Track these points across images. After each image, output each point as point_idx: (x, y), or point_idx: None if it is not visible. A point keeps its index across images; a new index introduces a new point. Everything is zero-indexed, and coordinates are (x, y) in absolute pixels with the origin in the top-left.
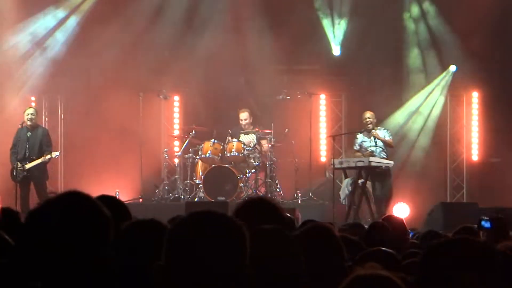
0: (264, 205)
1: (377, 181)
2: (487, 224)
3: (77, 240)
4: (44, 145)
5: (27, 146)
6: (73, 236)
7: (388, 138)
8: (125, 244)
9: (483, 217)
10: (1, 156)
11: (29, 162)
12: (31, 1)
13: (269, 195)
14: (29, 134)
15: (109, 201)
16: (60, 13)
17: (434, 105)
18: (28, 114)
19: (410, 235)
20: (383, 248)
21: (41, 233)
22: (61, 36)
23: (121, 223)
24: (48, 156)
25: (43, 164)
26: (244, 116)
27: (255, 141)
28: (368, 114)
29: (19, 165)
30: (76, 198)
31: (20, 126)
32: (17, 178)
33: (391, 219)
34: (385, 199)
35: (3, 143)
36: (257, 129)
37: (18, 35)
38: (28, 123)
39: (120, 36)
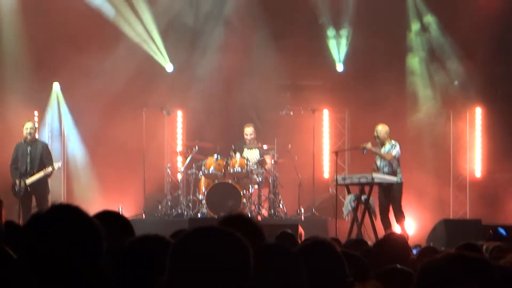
0: (244, 222)
1: (384, 194)
2: (503, 232)
3: (69, 252)
4: (44, 158)
5: (28, 160)
6: (64, 248)
7: (390, 151)
8: (129, 259)
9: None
10: (2, 171)
11: (30, 177)
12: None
13: (272, 211)
14: (29, 148)
15: (112, 216)
16: None
17: (437, 121)
18: (27, 128)
19: (414, 252)
20: (399, 266)
21: (33, 247)
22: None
23: (124, 238)
24: (50, 169)
25: (45, 177)
26: (249, 131)
27: (259, 156)
28: (376, 128)
29: (20, 180)
30: (65, 211)
31: (23, 141)
32: (19, 193)
33: (392, 236)
34: (394, 214)
35: (7, 157)
36: (260, 145)
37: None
38: (28, 137)
39: (123, 54)
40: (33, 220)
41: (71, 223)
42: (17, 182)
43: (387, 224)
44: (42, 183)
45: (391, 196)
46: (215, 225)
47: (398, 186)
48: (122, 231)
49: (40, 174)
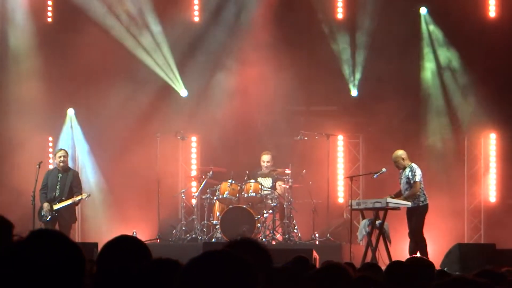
0: (251, 246)
1: (407, 219)
2: None
3: (49, 277)
4: (74, 187)
5: (57, 187)
6: (44, 274)
7: (409, 176)
8: (144, 282)
9: None
10: (22, 198)
11: (59, 203)
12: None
13: (286, 236)
14: (60, 175)
15: (129, 241)
16: None
17: (452, 145)
18: (60, 157)
19: None
20: None
21: (10, 275)
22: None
23: (141, 262)
24: (79, 197)
25: (73, 205)
26: (266, 158)
27: (272, 183)
28: (392, 155)
29: (48, 205)
30: (44, 237)
31: (55, 168)
32: (45, 219)
33: (414, 261)
34: (410, 238)
35: (24, 183)
36: (273, 170)
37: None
38: (61, 165)
39: (137, 78)
40: (11, 248)
41: (50, 248)
42: (45, 205)
43: (411, 249)
44: (69, 211)
45: (412, 219)
46: (224, 249)
47: (420, 209)
48: (139, 255)
49: (69, 202)
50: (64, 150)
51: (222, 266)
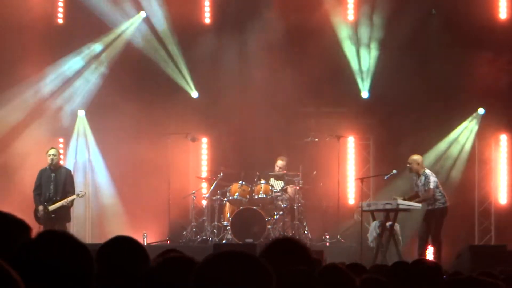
0: (292, 245)
1: (424, 220)
2: None
3: (59, 277)
4: (67, 185)
5: (51, 187)
6: (54, 274)
7: (423, 184)
8: (158, 281)
9: None
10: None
11: (53, 204)
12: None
13: (297, 237)
14: (53, 175)
15: (125, 242)
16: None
17: (462, 148)
18: (50, 155)
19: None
20: None
21: (23, 275)
22: (89, 85)
23: (138, 264)
24: (72, 198)
25: (68, 205)
26: (280, 164)
27: (283, 184)
28: (409, 159)
29: (43, 207)
30: (54, 237)
31: (48, 167)
32: (42, 220)
33: (421, 262)
34: (419, 240)
35: (31, 185)
36: (285, 172)
37: (48, 76)
38: (52, 163)
39: (148, 80)
40: (22, 249)
41: (60, 249)
42: (40, 208)
43: (420, 251)
44: (64, 211)
45: (431, 222)
46: (238, 250)
47: (439, 211)
48: (135, 257)
49: (62, 203)
50: (54, 148)
51: (237, 267)
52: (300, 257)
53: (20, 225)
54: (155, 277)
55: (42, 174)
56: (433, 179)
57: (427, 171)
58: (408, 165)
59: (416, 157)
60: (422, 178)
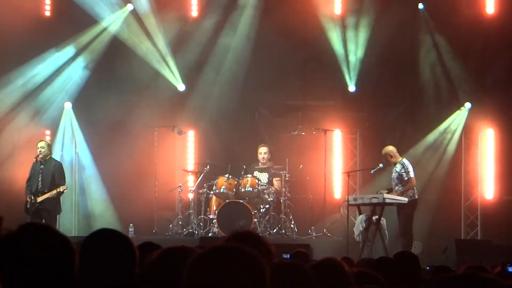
0: (251, 238)
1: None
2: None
3: (40, 270)
4: (56, 178)
5: (39, 179)
6: (35, 266)
7: (402, 172)
8: (155, 271)
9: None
10: (15, 188)
11: (41, 195)
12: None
13: (283, 231)
14: (41, 167)
15: (109, 234)
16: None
17: (449, 142)
18: (38, 148)
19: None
20: None
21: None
22: (76, 77)
23: (122, 256)
24: (61, 188)
25: (57, 196)
26: (263, 150)
27: (269, 178)
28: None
29: (32, 198)
30: (33, 230)
31: (34, 160)
32: (30, 211)
33: (402, 255)
34: (400, 233)
35: (21, 177)
36: (269, 160)
37: (35, 68)
38: (40, 156)
39: (135, 73)
40: (1, 241)
41: (40, 241)
42: (28, 199)
43: (403, 245)
44: (53, 202)
45: (399, 214)
46: (233, 244)
47: (407, 205)
48: (120, 249)
49: (48, 195)
50: (44, 141)
51: (230, 260)
52: (260, 250)
53: None
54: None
55: (34, 166)
56: (411, 168)
57: (405, 160)
58: (383, 159)
59: (388, 149)
60: (398, 166)
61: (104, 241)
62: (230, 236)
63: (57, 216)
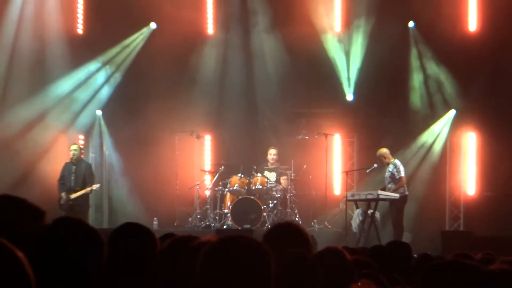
0: (291, 229)
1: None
2: None
3: (73, 258)
4: (87, 177)
5: (72, 178)
6: (69, 255)
7: (394, 172)
8: (167, 259)
9: None
10: (52, 189)
11: (74, 193)
12: (80, 52)
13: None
14: (74, 167)
15: (134, 227)
16: (106, 69)
17: (436, 145)
18: (71, 150)
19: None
20: None
21: (40, 255)
22: (106, 88)
23: (146, 246)
24: (91, 188)
25: (86, 194)
26: (273, 151)
27: (277, 176)
28: (378, 152)
29: (66, 195)
30: (68, 223)
31: (69, 161)
32: (65, 207)
33: (394, 244)
34: (392, 225)
35: (53, 178)
36: (277, 161)
37: (71, 79)
38: (73, 158)
39: (158, 86)
40: (38, 233)
41: (74, 233)
42: (63, 196)
43: (395, 237)
44: (84, 200)
45: (391, 209)
46: (241, 235)
47: (398, 200)
48: (144, 241)
49: (82, 192)
50: (76, 144)
51: (239, 250)
52: (298, 239)
53: (34, 210)
54: (162, 258)
55: (65, 166)
56: (403, 168)
57: (397, 161)
58: (378, 160)
59: (382, 151)
60: (391, 166)
61: (130, 232)
62: (273, 226)
63: (88, 211)
